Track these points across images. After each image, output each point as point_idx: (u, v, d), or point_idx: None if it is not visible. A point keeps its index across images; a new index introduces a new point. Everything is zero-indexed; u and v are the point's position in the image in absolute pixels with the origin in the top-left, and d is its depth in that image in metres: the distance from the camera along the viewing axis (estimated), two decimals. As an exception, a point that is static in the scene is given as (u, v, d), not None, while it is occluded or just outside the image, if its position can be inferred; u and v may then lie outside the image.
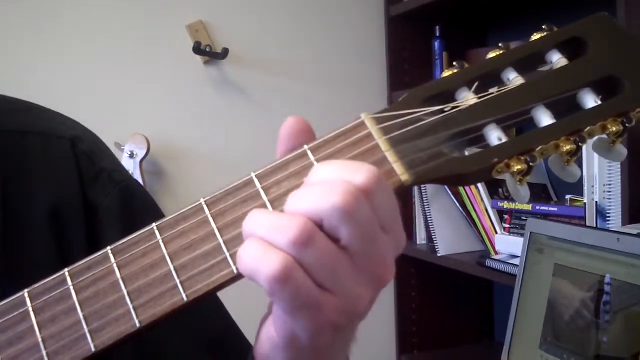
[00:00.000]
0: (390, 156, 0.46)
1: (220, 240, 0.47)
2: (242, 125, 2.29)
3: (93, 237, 0.68)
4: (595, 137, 0.49)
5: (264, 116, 2.29)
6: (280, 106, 2.30)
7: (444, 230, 2.06)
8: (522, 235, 1.76)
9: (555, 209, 1.69)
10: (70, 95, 2.07)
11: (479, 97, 0.49)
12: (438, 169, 0.46)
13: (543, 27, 0.52)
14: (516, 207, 1.82)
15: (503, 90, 0.49)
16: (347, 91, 2.36)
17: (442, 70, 2.15)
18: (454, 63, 0.51)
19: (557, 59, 0.51)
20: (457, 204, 2.06)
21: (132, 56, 2.18)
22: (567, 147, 0.47)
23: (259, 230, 0.43)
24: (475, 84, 0.49)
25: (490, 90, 0.50)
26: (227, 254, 0.46)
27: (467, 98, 0.49)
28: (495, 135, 0.48)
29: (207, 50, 2.20)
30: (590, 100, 0.49)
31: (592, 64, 0.49)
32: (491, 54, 0.51)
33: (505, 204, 1.85)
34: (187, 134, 2.25)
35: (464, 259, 1.98)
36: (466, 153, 0.48)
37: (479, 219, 2.00)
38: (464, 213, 2.04)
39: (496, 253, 1.89)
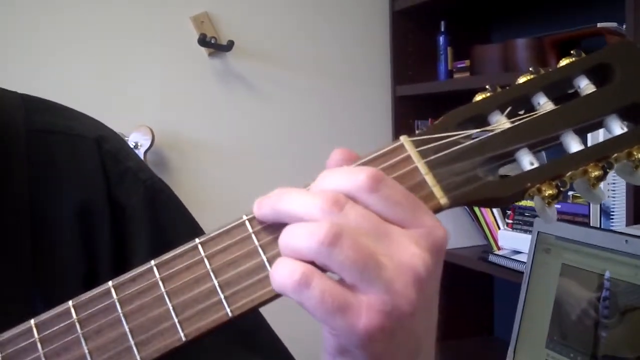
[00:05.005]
0: (429, 180, 0.47)
1: (264, 258, 0.47)
2: (246, 117, 2.30)
3: (120, 235, 0.69)
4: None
5: (268, 108, 2.31)
6: (285, 99, 2.32)
7: (446, 224, 2.00)
8: (525, 231, 1.78)
9: (559, 206, 1.69)
10: (75, 87, 2.08)
11: (512, 122, 0.50)
12: (474, 193, 0.48)
13: (572, 52, 0.54)
14: (519, 204, 1.83)
15: (535, 116, 0.50)
16: (352, 85, 2.37)
17: (446, 66, 2.19)
18: (487, 87, 0.53)
19: (584, 85, 0.52)
20: (460, 199, 2.07)
21: (137, 47, 2.19)
22: (595, 172, 0.49)
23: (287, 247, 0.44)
24: (509, 108, 0.51)
25: (520, 113, 0.51)
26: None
27: (500, 122, 0.50)
28: (527, 160, 0.49)
29: (213, 42, 2.21)
30: (616, 127, 0.50)
31: (618, 91, 0.51)
32: (522, 79, 0.53)
33: (509, 200, 1.86)
34: (191, 125, 2.26)
35: (467, 254, 2.01)
36: (499, 176, 0.50)
37: (482, 215, 2.02)
38: (467, 208, 2.06)
39: (499, 249, 1.91)
